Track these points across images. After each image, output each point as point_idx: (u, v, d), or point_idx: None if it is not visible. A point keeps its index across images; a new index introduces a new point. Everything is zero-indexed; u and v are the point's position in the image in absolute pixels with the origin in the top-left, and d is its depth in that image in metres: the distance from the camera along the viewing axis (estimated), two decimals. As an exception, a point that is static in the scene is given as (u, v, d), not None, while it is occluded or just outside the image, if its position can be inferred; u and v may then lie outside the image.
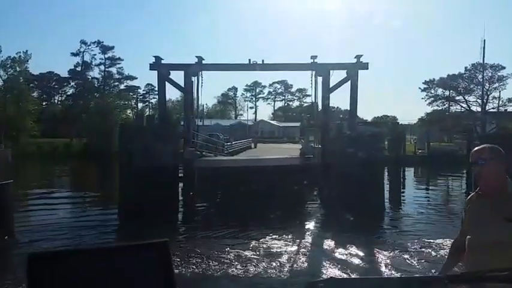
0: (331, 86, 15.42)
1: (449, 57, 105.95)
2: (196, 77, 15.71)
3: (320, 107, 16.01)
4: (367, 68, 15.30)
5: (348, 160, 12.57)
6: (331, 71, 15.31)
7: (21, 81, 50.40)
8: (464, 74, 49.35)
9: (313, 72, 15.77)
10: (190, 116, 15.29)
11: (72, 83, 69.70)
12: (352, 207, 12.38)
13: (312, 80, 15.86)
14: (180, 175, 14.66)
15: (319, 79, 15.67)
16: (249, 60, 15.58)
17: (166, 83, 15.71)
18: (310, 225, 12.32)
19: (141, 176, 12.21)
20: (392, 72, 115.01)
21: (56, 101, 77.01)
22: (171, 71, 15.67)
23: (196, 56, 15.39)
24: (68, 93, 72.89)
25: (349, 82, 15.47)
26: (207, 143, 17.98)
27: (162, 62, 15.48)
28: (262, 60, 15.67)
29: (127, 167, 12.75)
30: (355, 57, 15.39)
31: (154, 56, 15.26)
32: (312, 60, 15.39)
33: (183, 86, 15.71)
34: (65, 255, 0.78)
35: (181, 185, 14.61)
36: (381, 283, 1.19)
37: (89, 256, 0.79)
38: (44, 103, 73.84)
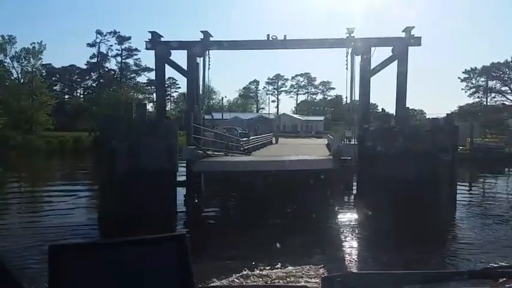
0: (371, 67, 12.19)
1: (490, 44, 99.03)
2: (202, 58, 12.78)
3: (357, 94, 12.75)
4: (420, 44, 11.91)
5: (401, 162, 9.34)
6: (372, 49, 12.05)
7: (37, 73, 48.96)
8: (511, 62, 44.71)
9: (349, 50, 12.52)
10: (193, 106, 12.29)
11: (93, 76, 68.27)
12: (403, 223, 9.24)
13: (347, 60, 12.63)
14: (183, 179, 11.96)
15: (357, 59, 12.46)
16: (268, 35, 12.46)
17: (167, 65, 12.82)
18: (347, 252, 9.16)
19: (126, 182, 9.42)
20: (417, 62, 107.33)
21: (78, 94, 76.06)
22: (172, 52, 12.78)
23: (202, 31, 12.35)
24: (89, 85, 71.65)
25: (394, 63, 12.20)
26: (217, 140, 14.97)
27: (162, 39, 12.63)
28: (285, 36, 12.51)
29: (108, 169, 9.95)
30: (403, 31, 12.07)
31: (150, 32, 12.33)
32: (348, 35, 12.13)
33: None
34: (86, 247, 0.84)
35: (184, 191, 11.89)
36: (400, 278, 1.16)
37: (109, 248, 0.84)
38: (66, 96, 73.01)
